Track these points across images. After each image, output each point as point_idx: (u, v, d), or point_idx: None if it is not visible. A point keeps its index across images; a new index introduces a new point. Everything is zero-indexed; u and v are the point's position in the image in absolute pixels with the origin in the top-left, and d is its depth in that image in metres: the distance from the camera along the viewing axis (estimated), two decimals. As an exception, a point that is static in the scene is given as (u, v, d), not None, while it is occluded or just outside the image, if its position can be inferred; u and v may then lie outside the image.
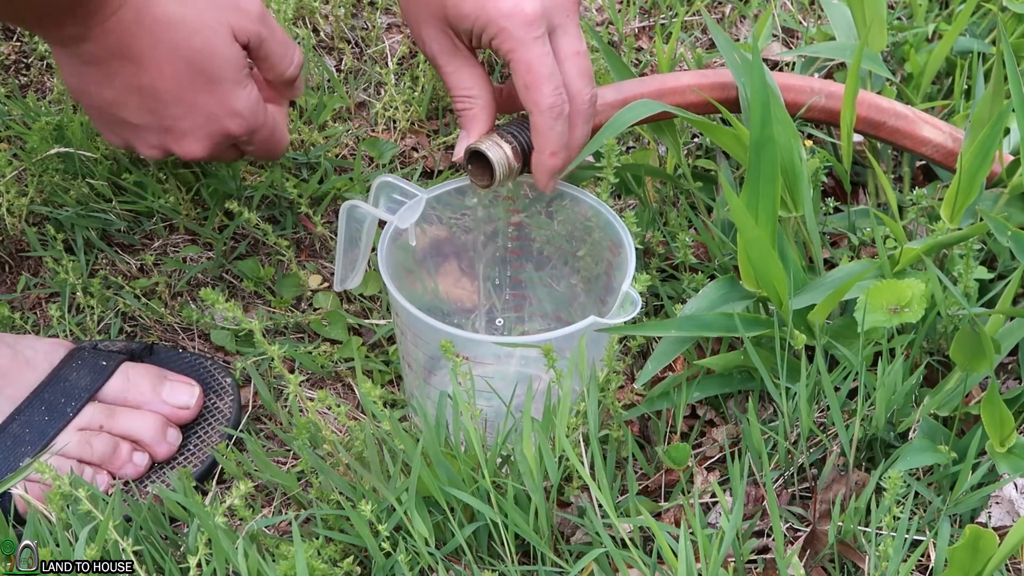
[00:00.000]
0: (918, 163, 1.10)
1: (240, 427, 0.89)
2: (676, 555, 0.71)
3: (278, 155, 0.93)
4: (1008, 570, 0.78)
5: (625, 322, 0.78)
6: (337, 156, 1.12)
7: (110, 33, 0.81)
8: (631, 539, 0.77)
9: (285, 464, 0.88)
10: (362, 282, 1.01)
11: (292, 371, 0.94)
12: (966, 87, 1.12)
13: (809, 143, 0.98)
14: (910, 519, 0.79)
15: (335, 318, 0.98)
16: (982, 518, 0.80)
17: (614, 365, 0.80)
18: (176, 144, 0.86)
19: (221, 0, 0.85)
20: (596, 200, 0.88)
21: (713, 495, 0.83)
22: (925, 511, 0.80)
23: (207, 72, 0.83)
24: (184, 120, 0.85)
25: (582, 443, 0.78)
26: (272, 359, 0.87)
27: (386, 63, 1.21)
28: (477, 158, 0.86)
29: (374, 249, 0.87)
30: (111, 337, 0.96)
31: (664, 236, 1.00)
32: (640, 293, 0.78)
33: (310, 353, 0.95)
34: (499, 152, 0.84)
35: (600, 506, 0.78)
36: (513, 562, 0.76)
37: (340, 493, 0.77)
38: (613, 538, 0.77)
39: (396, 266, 0.88)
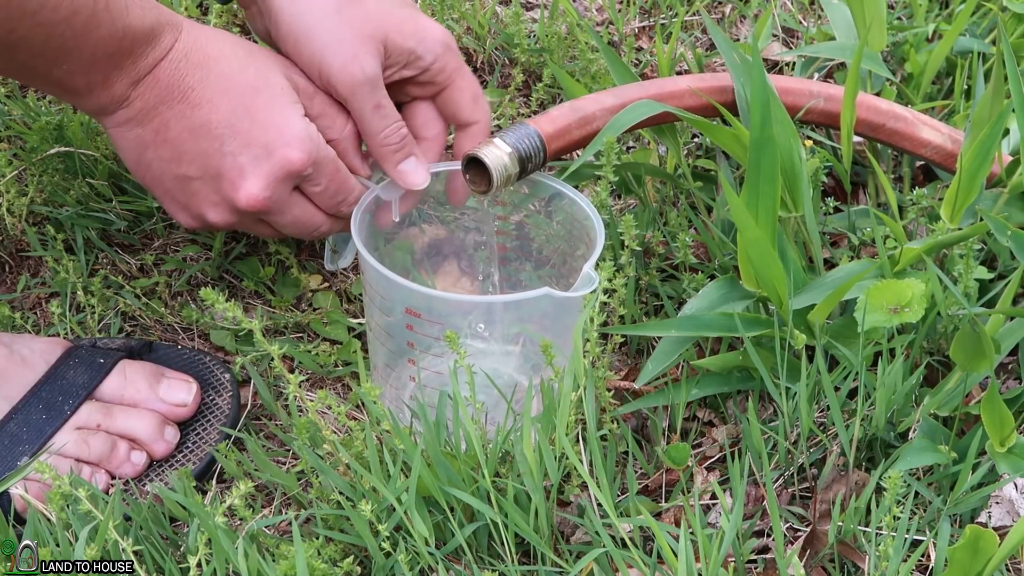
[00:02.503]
0: (918, 163, 1.10)
1: (239, 426, 0.89)
2: (676, 555, 0.71)
3: (349, 203, 0.88)
4: (1008, 570, 0.78)
5: (584, 296, 0.78)
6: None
7: (159, 80, 0.80)
8: (631, 539, 0.77)
9: (285, 464, 0.88)
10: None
11: (292, 370, 0.94)
12: (966, 87, 1.12)
13: (809, 143, 0.98)
14: (910, 519, 0.79)
15: (335, 318, 0.98)
16: (982, 518, 0.80)
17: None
18: (235, 189, 0.83)
19: (272, 52, 0.86)
20: (569, 189, 0.88)
21: (713, 495, 0.83)
22: (925, 511, 0.80)
23: (260, 100, 0.82)
24: (241, 155, 0.82)
25: (581, 441, 0.78)
26: (272, 358, 0.87)
27: (386, 63, 1.21)
28: (475, 164, 0.86)
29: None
30: (111, 336, 0.96)
31: (664, 236, 1.00)
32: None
33: (310, 352, 0.95)
34: (497, 157, 0.84)
35: (600, 505, 0.78)
36: (513, 562, 0.76)
37: (340, 493, 0.77)
38: (613, 538, 0.77)
39: (370, 236, 0.89)
